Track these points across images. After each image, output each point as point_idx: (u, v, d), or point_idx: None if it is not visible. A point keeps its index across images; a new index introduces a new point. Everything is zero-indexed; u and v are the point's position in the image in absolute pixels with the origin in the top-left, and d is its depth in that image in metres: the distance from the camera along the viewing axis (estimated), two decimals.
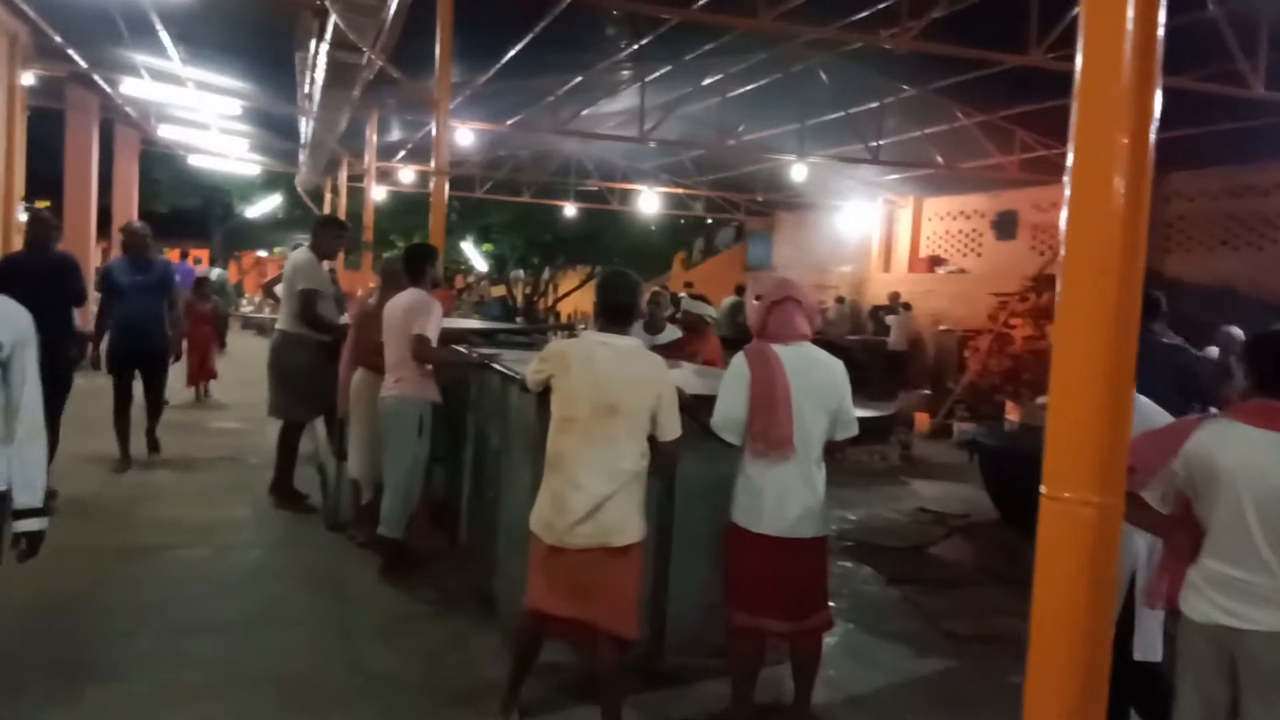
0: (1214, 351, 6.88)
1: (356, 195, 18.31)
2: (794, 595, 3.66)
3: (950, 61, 9.88)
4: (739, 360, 3.71)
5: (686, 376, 4.90)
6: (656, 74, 11.86)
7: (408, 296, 5.24)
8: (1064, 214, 1.66)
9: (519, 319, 23.15)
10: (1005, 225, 17.20)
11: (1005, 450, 7.82)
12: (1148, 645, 3.44)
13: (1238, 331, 7.19)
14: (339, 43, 8.84)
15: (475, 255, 26.38)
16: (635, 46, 10.21)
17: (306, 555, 5.84)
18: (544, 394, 3.68)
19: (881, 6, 8.51)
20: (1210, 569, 2.72)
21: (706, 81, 12.50)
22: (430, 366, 5.26)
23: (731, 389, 3.67)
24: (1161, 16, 1.55)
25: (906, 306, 17.45)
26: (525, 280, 27.83)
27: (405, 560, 5.39)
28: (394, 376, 5.25)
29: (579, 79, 12.01)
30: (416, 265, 5.36)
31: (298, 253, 6.74)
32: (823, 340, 3.72)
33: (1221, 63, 8.21)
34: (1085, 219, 1.64)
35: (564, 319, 24.88)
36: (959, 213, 18.44)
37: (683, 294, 20.08)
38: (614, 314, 3.65)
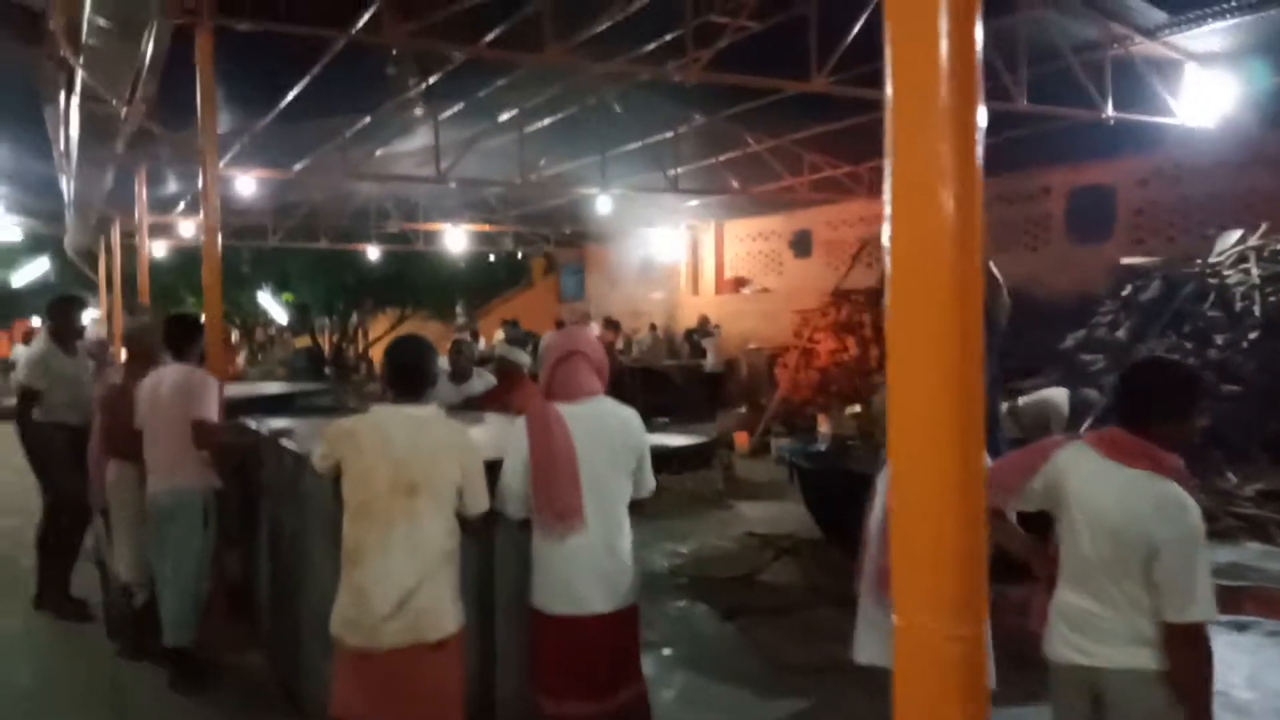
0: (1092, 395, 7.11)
1: (133, 254, 16.98)
2: (600, 675, 3.37)
3: (738, 90, 10.07)
4: (520, 426, 3.42)
5: (492, 435, 4.61)
6: (449, 112, 11.54)
7: (173, 374, 4.69)
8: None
9: (328, 369, 22.14)
10: (801, 244, 17.82)
11: (821, 470, 7.94)
12: (867, 646, 3.49)
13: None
14: (91, 95, 8.09)
15: (275, 306, 25.05)
16: (424, 85, 9.88)
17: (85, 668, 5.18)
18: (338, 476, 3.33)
19: (668, 39, 8.56)
20: (1064, 601, 2.67)
21: (503, 118, 12.28)
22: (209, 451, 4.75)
23: (510, 459, 3.38)
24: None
25: (716, 328, 17.77)
26: (331, 328, 26.68)
27: (198, 667, 4.83)
28: (166, 467, 4.70)
29: (367, 119, 11.53)
30: (180, 339, 4.81)
31: (34, 345, 6.16)
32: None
33: (988, 79, 8.68)
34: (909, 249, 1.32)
35: (377, 365, 23.96)
36: (758, 234, 18.97)
37: (498, 336, 19.76)
38: (405, 382, 3.33)
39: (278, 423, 5.34)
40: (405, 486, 3.16)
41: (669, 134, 13.07)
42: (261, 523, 5.28)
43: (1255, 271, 9.18)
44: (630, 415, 3.54)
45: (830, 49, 7.97)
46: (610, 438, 3.43)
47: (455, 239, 20.28)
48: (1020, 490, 2.77)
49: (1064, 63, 8.73)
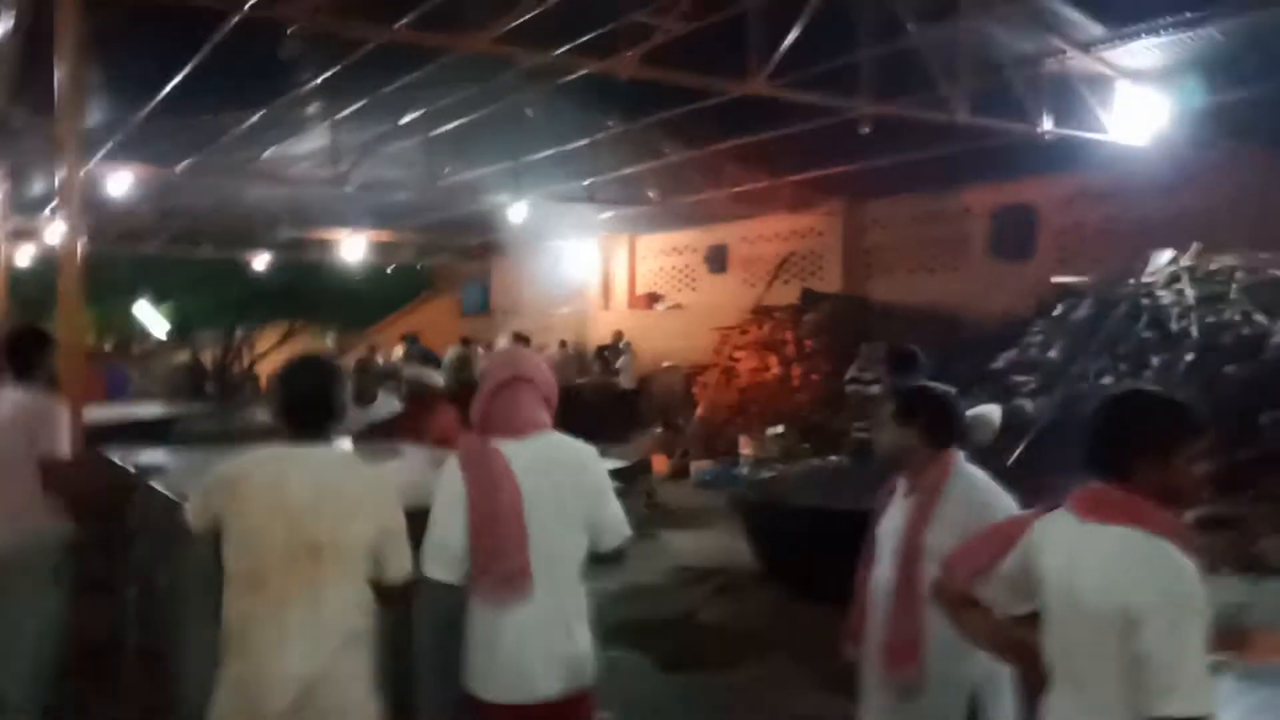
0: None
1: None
2: None
3: (659, 97, 9.56)
4: (451, 467, 2.76)
5: (410, 474, 3.89)
6: (349, 110, 10.72)
7: (12, 401, 3.86)
8: None
9: (209, 385, 20.82)
10: (717, 259, 17.42)
11: (768, 504, 7.42)
12: None
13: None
14: None
15: (154, 319, 23.45)
16: (320, 79, 9.06)
17: None
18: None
19: (588, 38, 7.99)
20: (1051, 704, 2.11)
21: (406, 119, 11.51)
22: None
23: (444, 508, 2.71)
24: None
25: (628, 344, 17.28)
26: (214, 342, 25.15)
27: None
28: (6, 511, 3.84)
29: (260, 114, 10.61)
30: (23, 356, 3.95)
31: None
32: None
33: (924, 90, 8.35)
34: None
35: (263, 383, 22.64)
36: (672, 249, 18.53)
37: (397, 353, 18.85)
38: (304, 417, 2.63)
39: (150, 456, 4.55)
40: (305, 549, 2.48)
41: (584, 142, 12.49)
42: (130, 570, 4.46)
43: (1190, 292, 9.06)
44: (585, 451, 2.92)
45: (773, 48, 7.53)
46: (562, 482, 2.80)
47: (352, 248, 19.24)
48: (993, 569, 2.23)
49: (1001, 76, 8.48)
